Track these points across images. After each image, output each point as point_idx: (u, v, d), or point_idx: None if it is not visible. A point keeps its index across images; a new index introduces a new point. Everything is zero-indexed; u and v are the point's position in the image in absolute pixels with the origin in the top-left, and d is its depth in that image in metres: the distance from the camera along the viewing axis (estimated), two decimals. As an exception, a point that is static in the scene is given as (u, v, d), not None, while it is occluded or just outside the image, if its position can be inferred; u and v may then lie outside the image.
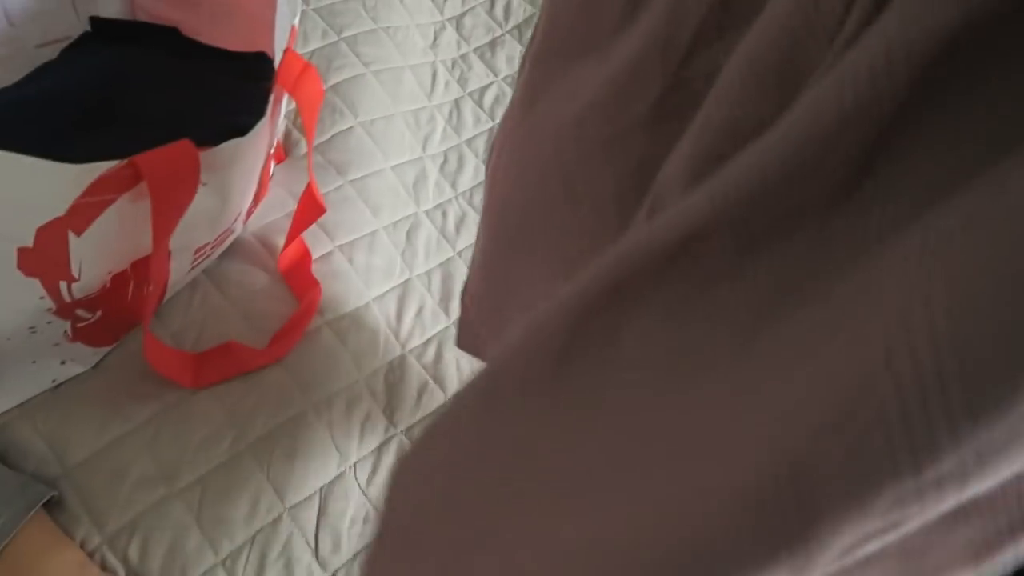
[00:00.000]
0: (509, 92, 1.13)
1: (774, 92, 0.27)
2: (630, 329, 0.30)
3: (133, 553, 0.68)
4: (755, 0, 0.28)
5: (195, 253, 0.72)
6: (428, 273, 0.93)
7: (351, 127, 0.99)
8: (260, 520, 0.70)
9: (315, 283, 0.82)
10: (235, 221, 0.76)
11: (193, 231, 0.67)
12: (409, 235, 0.94)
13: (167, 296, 0.77)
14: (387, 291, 0.89)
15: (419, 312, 0.89)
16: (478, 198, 1.02)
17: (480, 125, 1.10)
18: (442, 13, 1.23)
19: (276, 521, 0.71)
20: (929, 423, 0.20)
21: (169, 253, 0.66)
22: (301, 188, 0.91)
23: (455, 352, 0.88)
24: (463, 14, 1.24)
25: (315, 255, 0.87)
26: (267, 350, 0.77)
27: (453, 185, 1.02)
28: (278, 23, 0.71)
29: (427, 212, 0.98)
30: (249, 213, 0.82)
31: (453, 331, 0.89)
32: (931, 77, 0.22)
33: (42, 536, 0.63)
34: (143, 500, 0.69)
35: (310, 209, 0.82)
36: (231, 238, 0.79)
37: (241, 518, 0.70)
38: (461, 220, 0.99)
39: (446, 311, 0.91)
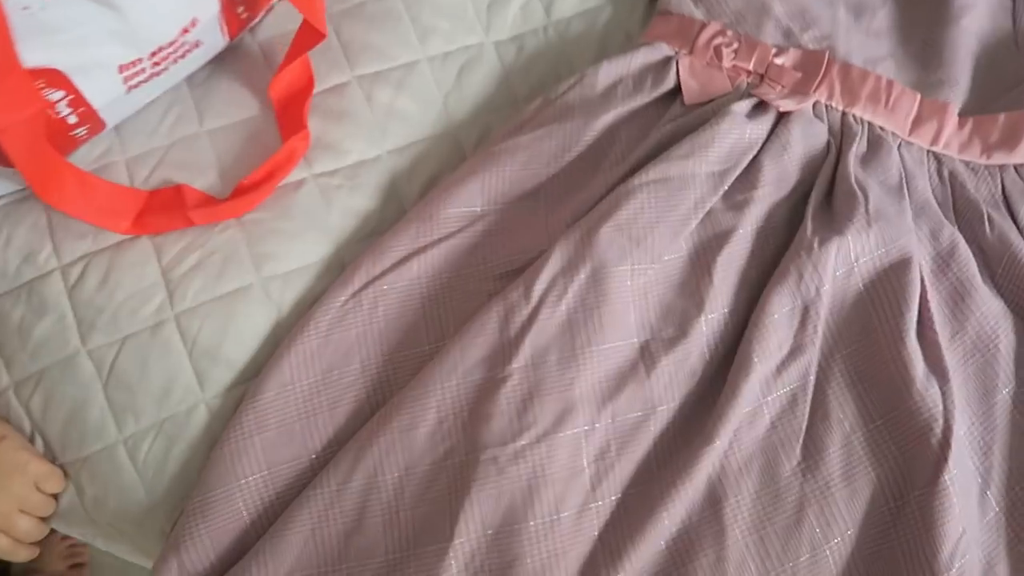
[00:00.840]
0: None
1: None
2: None
3: (35, 406, 0.60)
4: None
5: (121, 71, 0.56)
6: (473, 127, 0.71)
7: (422, -85, 0.75)
8: (172, 406, 0.59)
9: (302, 125, 0.64)
10: (190, 26, 0.58)
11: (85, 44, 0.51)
12: (462, 74, 0.72)
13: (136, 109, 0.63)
14: (408, 145, 0.69)
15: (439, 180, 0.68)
16: (577, 29, 0.76)
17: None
18: None
19: (190, 412, 0.59)
20: None
21: (57, 72, 0.51)
22: (338, -6, 0.72)
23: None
24: None
25: (326, 84, 0.68)
26: (226, 203, 0.62)
27: (547, 9, 0.76)
28: None
29: (497, 44, 0.74)
30: (237, 22, 0.64)
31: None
32: None
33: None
34: (52, 353, 0.60)
35: (307, 31, 0.62)
36: (198, 51, 0.63)
37: (152, 398, 0.59)
38: (540, 55, 0.74)
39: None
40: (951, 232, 0.63)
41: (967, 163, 0.67)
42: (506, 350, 0.57)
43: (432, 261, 0.62)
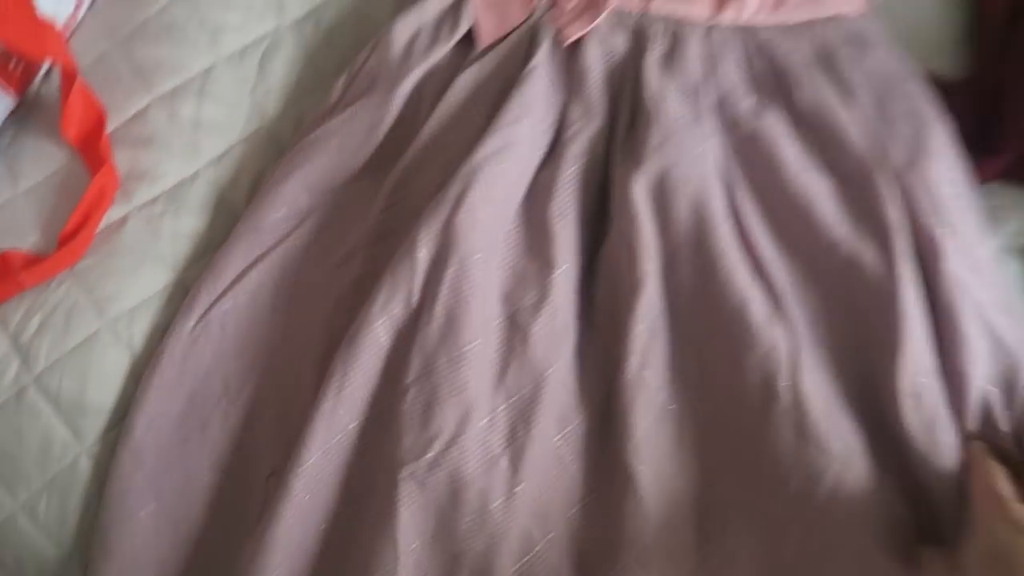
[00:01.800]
0: None
1: None
2: None
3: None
4: None
5: None
6: (288, 116, 0.71)
7: (184, -89, 0.73)
8: (55, 464, 0.62)
9: (104, 160, 0.64)
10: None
11: None
12: (263, 64, 0.71)
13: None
14: (224, 153, 0.69)
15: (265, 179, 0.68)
16: (374, -11, 0.75)
17: None
18: None
19: (73, 464, 0.62)
20: None
21: None
22: (123, 18, 0.71)
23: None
24: None
25: (125, 114, 0.68)
26: (51, 259, 0.63)
27: (339, -25, 0.75)
28: None
29: (294, 24, 0.73)
30: (16, 78, 0.63)
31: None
32: None
33: None
34: (-70, 444, 0.62)
35: (66, 74, 0.62)
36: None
37: (34, 462, 0.62)
38: (340, 25, 0.73)
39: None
40: (759, 110, 0.63)
41: (781, 27, 0.67)
42: (401, 358, 0.57)
43: (270, 269, 0.63)
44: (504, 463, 0.56)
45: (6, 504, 0.62)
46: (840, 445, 0.54)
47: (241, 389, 0.62)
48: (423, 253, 0.58)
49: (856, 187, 0.59)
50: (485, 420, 0.57)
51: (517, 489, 0.56)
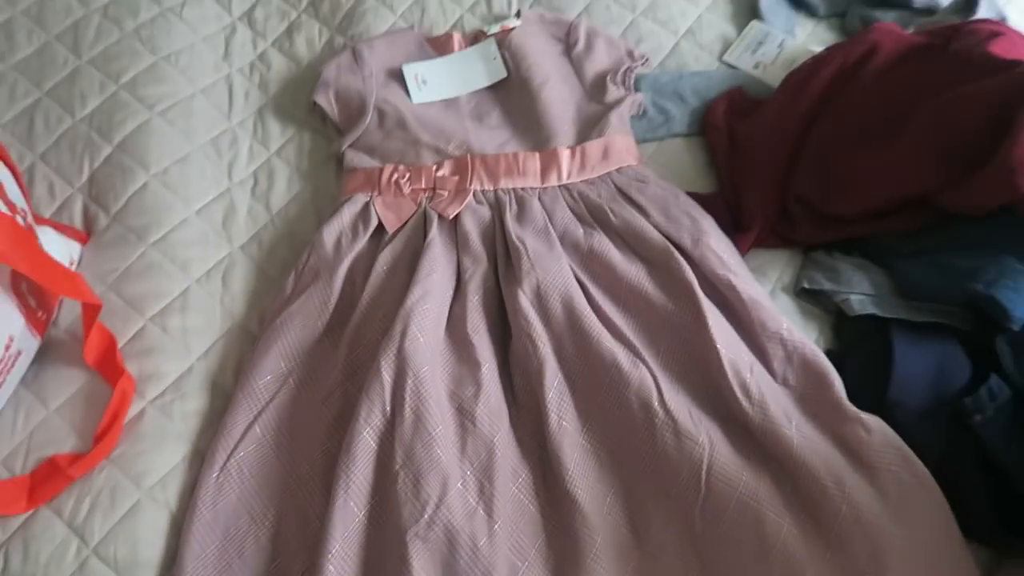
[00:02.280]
0: (310, 82, 1.08)
1: None
2: None
3: None
4: None
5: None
6: (252, 312, 0.93)
7: (144, 184, 0.97)
8: (116, 619, 0.75)
9: (122, 371, 0.83)
10: (9, 342, 0.77)
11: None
12: (226, 280, 0.94)
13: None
14: (209, 348, 0.89)
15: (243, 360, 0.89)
16: (295, 211, 1.00)
17: (287, 131, 1.07)
18: (230, 12, 1.17)
19: (133, 616, 0.75)
20: None
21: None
22: (110, 268, 0.92)
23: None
24: (252, 7, 1.18)
25: (128, 335, 0.88)
26: (91, 453, 0.79)
27: (267, 207, 1.00)
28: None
29: (242, 248, 0.97)
30: (41, 324, 0.83)
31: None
32: None
33: None
34: (6, 630, 0.74)
35: (88, 307, 0.82)
36: (22, 358, 0.81)
37: (100, 621, 0.75)
38: (277, 242, 0.98)
39: (279, 345, 0.92)
40: (589, 234, 0.92)
41: (587, 181, 0.98)
42: (387, 453, 0.78)
43: (268, 420, 0.83)
44: (481, 511, 0.77)
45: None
46: (705, 437, 0.78)
47: (265, 515, 0.79)
48: (387, 375, 0.80)
49: (663, 267, 0.88)
50: (459, 483, 0.77)
51: (495, 527, 0.76)
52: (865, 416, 0.79)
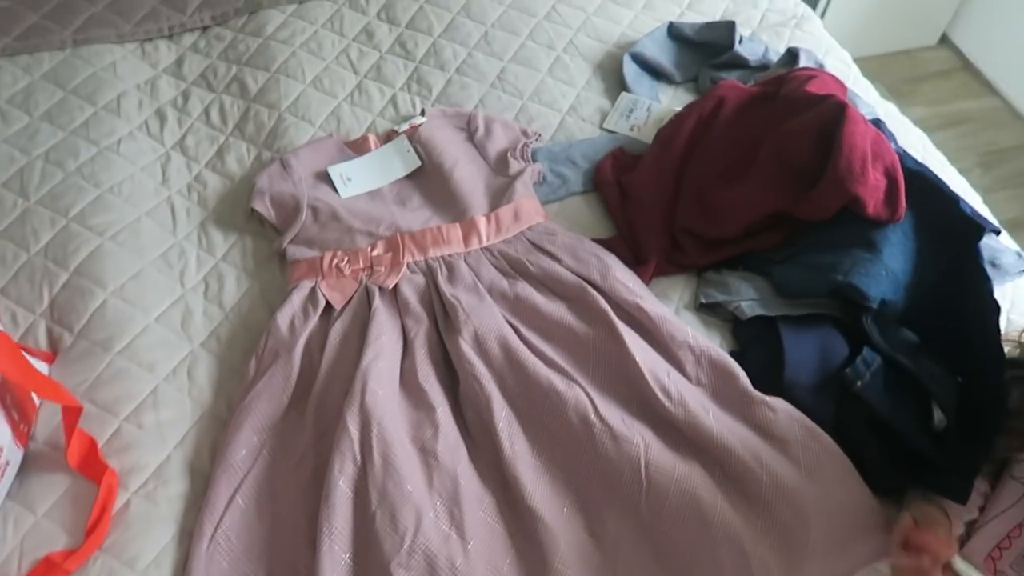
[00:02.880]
0: (245, 193, 1.20)
1: None
2: None
3: None
4: None
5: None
6: (220, 399, 1.01)
7: (104, 301, 1.06)
8: None
9: (105, 467, 0.90)
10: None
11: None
12: (191, 374, 1.02)
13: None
14: (184, 436, 0.97)
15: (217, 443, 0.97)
16: (247, 305, 1.10)
17: (230, 238, 1.18)
18: (163, 143, 1.29)
19: None
20: None
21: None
22: (81, 379, 0.99)
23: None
24: (183, 136, 1.30)
25: (106, 436, 0.95)
26: (84, 546, 0.85)
27: (220, 305, 1.10)
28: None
29: (203, 344, 1.06)
30: (23, 435, 0.89)
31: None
32: None
33: None
34: None
35: (69, 412, 0.89)
36: (9, 468, 0.87)
37: None
38: (233, 335, 1.07)
39: (248, 426, 1.00)
40: (513, 284, 1.05)
41: (504, 240, 1.11)
42: (363, 498, 0.86)
43: (248, 490, 0.90)
44: (454, 535, 0.85)
45: None
46: (639, 438, 0.90)
47: (256, 574, 0.85)
48: (353, 428, 0.90)
49: (580, 302, 1.01)
50: (431, 513, 0.86)
51: (469, 547, 0.85)
52: (770, 399, 0.93)
